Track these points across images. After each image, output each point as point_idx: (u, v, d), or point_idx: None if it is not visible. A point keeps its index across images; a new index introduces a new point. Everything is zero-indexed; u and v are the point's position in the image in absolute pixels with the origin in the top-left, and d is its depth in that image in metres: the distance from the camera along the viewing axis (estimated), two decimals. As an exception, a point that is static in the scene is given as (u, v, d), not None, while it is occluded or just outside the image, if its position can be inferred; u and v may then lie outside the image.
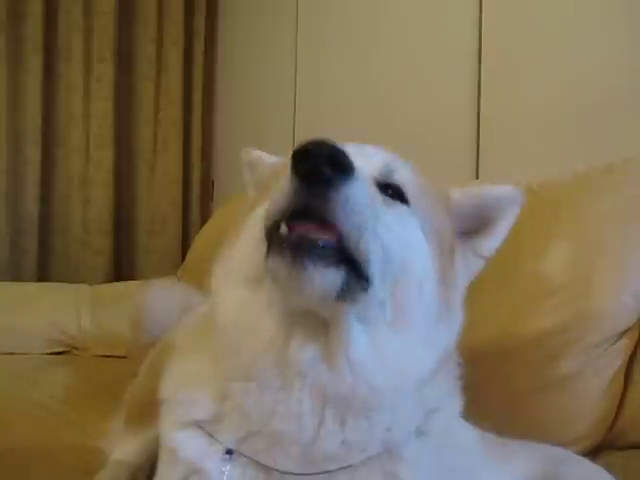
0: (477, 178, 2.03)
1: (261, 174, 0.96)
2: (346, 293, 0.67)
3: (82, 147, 3.22)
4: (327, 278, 0.65)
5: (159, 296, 1.70)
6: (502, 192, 0.86)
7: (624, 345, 1.19)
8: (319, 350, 0.71)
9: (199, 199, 3.49)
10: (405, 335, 0.73)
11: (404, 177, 0.78)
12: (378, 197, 0.73)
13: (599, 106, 1.72)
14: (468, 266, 0.85)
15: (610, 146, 1.66)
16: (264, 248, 0.70)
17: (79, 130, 3.22)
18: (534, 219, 1.32)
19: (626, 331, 1.19)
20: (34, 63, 3.10)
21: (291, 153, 0.65)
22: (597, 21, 1.75)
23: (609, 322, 1.19)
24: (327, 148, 0.64)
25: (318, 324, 0.71)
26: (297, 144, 0.65)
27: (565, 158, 1.77)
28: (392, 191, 0.76)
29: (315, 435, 0.72)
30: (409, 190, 0.77)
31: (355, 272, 0.67)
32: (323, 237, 0.64)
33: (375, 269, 0.68)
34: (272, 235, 0.69)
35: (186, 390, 0.82)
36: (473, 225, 0.85)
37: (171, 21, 3.38)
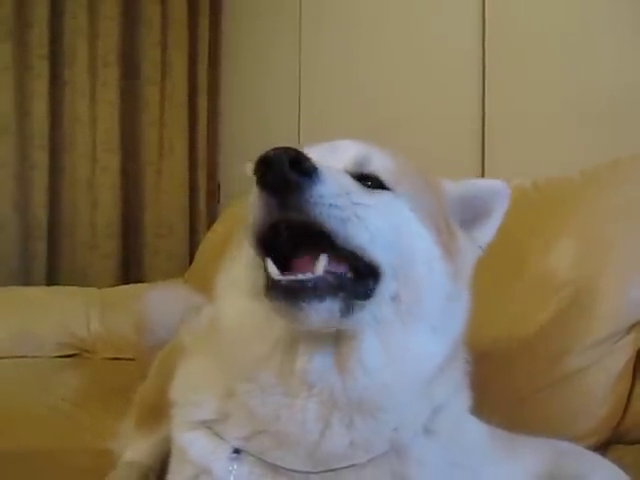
0: (483, 175, 2.03)
1: None
2: (351, 309, 0.68)
3: (88, 151, 3.24)
4: (325, 310, 0.66)
5: (160, 300, 1.72)
6: (494, 185, 0.88)
7: (631, 340, 1.19)
8: (329, 360, 0.71)
9: (205, 201, 3.50)
10: (415, 323, 0.72)
11: (380, 165, 0.78)
12: (354, 186, 0.72)
13: (604, 104, 1.72)
14: (468, 251, 0.85)
15: (615, 144, 1.66)
16: (257, 270, 0.72)
17: (85, 134, 3.24)
18: (540, 216, 1.33)
19: (633, 326, 1.19)
20: (41, 69, 3.12)
21: (253, 166, 0.65)
22: (602, 19, 1.75)
23: (616, 317, 1.18)
24: (287, 154, 0.63)
25: (327, 335, 0.71)
26: (257, 156, 0.64)
27: (570, 157, 1.77)
28: (370, 181, 0.76)
29: (320, 437, 0.72)
30: (388, 177, 0.77)
31: (355, 274, 0.68)
32: (310, 273, 0.65)
33: (374, 254, 0.69)
34: (264, 267, 0.69)
35: (193, 391, 0.83)
36: (466, 216, 0.86)
37: (175, 24, 3.39)
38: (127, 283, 3.07)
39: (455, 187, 0.87)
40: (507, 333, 1.24)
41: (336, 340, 0.71)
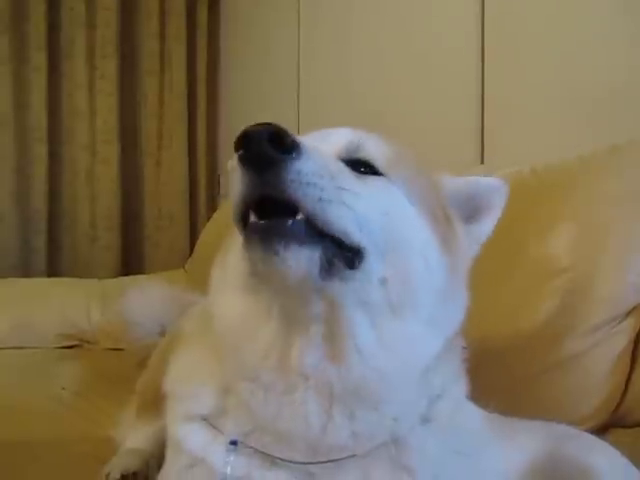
0: (482, 163, 2.03)
1: None
2: (332, 270, 0.66)
3: (88, 143, 3.25)
4: (301, 256, 0.63)
5: (140, 297, 1.77)
6: (491, 182, 0.89)
7: (630, 324, 1.19)
8: (323, 351, 0.70)
9: (205, 192, 3.50)
10: (409, 316, 0.71)
11: (373, 150, 0.76)
12: (344, 171, 0.70)
13: (603, 92, 1.71)
14: (468, 246, 0.85)
15: (615, 129, 1.65)
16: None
17: (84, 126, 3.24)
18: (538, 202, 1.33)
19: (631, 310, 1.19)
20: (39, 61, 3.12)
21: (235, 141, 0.63)
22: (600, 7, 1.74)
23: (614, 302, 1.18)
24: (266, 130, 0.62)
25: (319, 325, 0.70)
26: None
27: (570, 142, 1.76)
28: (363, 167, 0.74)
29: (322, 431, 0.71)
30: (381, 162, 0.75)
31: (337, 247, 0.66)
32: (289, 218, 0.63)
33: (358, 239, 0.67)
34: (244, 228, 0.67)
35: (188, 384, 0.82)
36: (464, 212, 0.86)
37: (174, 15, 3.38)
38: (128, 275, 3.08)
39: (454, 182, 0.86)
40: (506, 318, 1.24)
41: (328, 330, 0.70)
